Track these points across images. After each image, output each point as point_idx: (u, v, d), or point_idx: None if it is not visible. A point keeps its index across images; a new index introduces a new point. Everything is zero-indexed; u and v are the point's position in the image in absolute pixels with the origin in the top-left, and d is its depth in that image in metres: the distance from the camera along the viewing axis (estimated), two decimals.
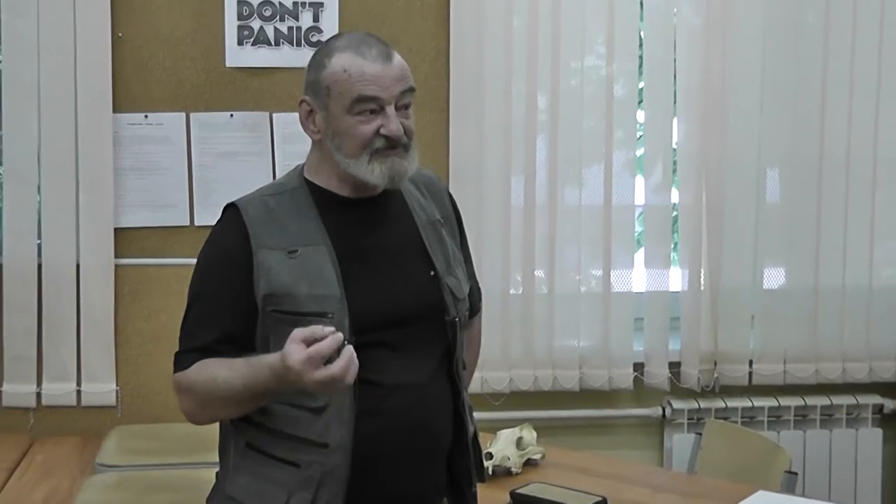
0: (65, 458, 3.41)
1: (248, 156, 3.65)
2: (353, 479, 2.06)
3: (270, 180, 2.72)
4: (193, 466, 3.09)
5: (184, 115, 3.64)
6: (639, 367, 3.90)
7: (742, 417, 3.92)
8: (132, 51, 3.61)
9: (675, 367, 3.91)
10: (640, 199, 3.89)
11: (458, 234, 2.32)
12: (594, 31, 3.79)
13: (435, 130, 3.71)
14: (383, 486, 2.11)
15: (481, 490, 2.31)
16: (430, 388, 2.15)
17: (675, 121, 3.87)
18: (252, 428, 2.11)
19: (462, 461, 2.24)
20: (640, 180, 3.89)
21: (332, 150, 2.11)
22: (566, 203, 3.81)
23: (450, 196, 2.34)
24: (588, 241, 3.83)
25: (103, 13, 3.54)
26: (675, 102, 3.86)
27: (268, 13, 3.64)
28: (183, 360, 2.10)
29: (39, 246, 3.60)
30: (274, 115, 3.64)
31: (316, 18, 3.65)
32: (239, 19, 3.63)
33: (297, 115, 2.15)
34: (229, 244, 2.10)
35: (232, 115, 3.65)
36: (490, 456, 2.97)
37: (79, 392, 3.63)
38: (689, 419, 3.91)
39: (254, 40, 3.64)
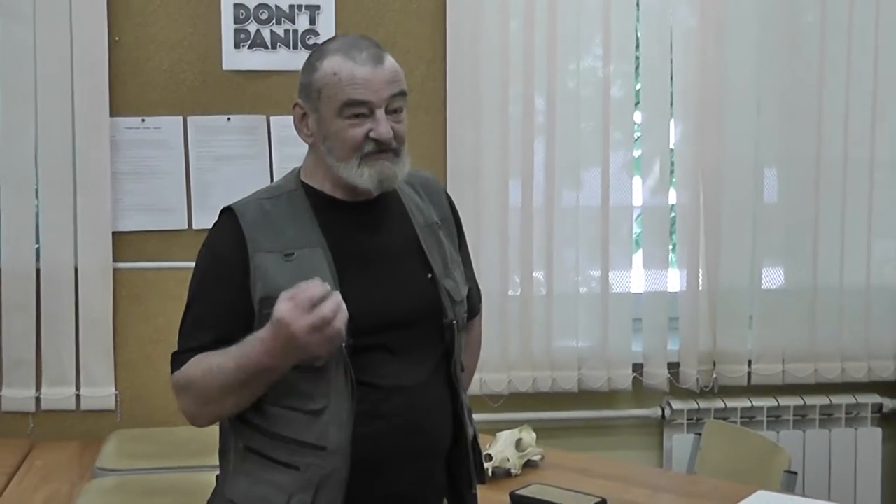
0: (64, 462, 3.41)
1: (246, 159, 3.65)
2: (352, 482, 2.06)
3: (268, 183, 2.72)
4: (193, 470, 3.09)
5: (181, 118, 3.64)
6: (638, 367, 3.90)
7: (741, 417, 3.92)
8: (129, 54, 3.61)
9: (673, 367, 3.91)
10: (637, 200, 3.89)
11: (457, 237, 2.32)
12: (591, 33, 3.79)
13: (432, 132, 3.71)
14: (382, 488, 2.10)
15: (481, 491, 2.30)
16: (429, 391, 2.15)
17: (672, 122, 3.87)
18: (251, 431, 2.11)
19: (462, 463, 2.23)
20: (637, 181, 3.89)
21: (323, 153, 2.11)
22: (564, 204, 3.81)
23: (448, 198, 2.34)
24: (586, 243, 3.84)
25: (100, 17, 3.54)
26: (671, 104, 3.86)
27: (264, 16, 3.64)
28: (179, 361, 2.10)
29: (38, 250, 3.60)
30: (271, 118, 3.65)
31: (312, 21, 3.66)
32: (235, 23, 3.63)
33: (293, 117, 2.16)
34: (226, 247, 2.10)
35: (229, 119, 3.66)
36: (489, 457, 2.97)
37: (78, 396, 3.63)
38: (688, 419, 3.91)
39: (250, 43, 3.64)
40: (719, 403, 3.93)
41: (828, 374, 3.97)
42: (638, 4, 3.82)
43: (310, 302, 1.89)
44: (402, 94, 2.11)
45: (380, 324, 2.09)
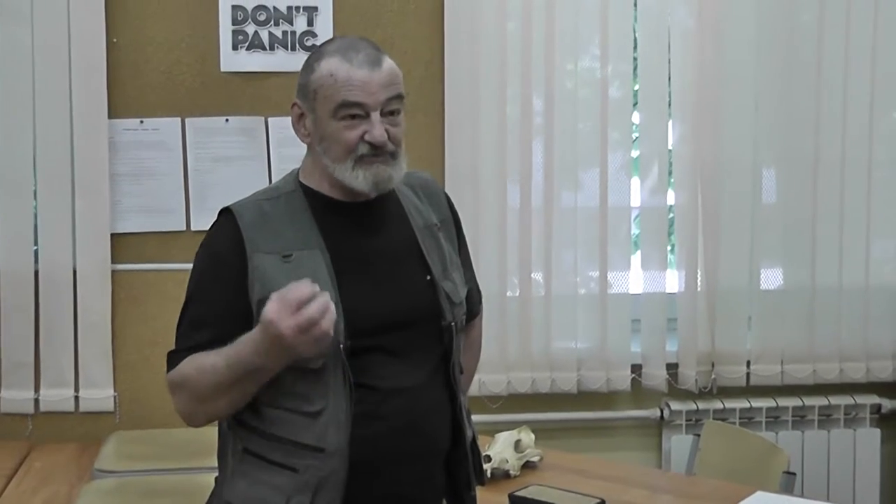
0: (63, 464, 3.41)
1: (244, 160, 3.65)
2: (351, 484, 2.06)
3: (266, 184, 2.72)
4: (192, 472, 3.09)
5: (179, 120, 3.64)
6: (636, 368, 3.90)
7: (740, 418, 3.92)
8: (127, 56, 3.61)
9: (672, 368, 3.91)
10: (636, 200, 3.89)
11: (457, 238, 2.32)
12: (589, 34, 3.79)
13: (430, 133, 3.71)
14: (381, 489, 2.10)
15: (480, 493, 2.31)
16: (427, 392, 2.15)
17: (670, 122, 3.88)
18: (249, 433, 2.11)
19: (461, 465, 2.24)
20: (636, 182, 3.89)
21: (320, 153, 2.12)
22: (562, 205, 3.81)
23: (448, 199, 2.33)
24: (585, 244, 3.84)
25: (98, 18, 3.54)
26: (670, 104, 3.86)
27: (262, 18, 3.64)
28: (175, 360, 2.10)
29: (36, 252, 3.60)
30: (269, 119, 3.65)
31: (310, 23, 3.66)
32: (233, 24, 3.63)
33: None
34: (224, 248, 2.10)
35: (227, 120, 3.66)
36: (488, 459, 2.97)
37: (77, 398, 3.63)
38: (687, 420, 3.91)
39: (248, 45, 3.64)
40: (718, 404, 3.93)
41: (826, 375, 3.97)
42: (636, 5, 3.82)
43: (297, 302, 1.90)
44: (399, 97, 2.10)
45: (378, 325, 2.09)
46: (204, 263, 2.14)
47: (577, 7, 3.76)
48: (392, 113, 2.09)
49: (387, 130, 2.07)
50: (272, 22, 3.65)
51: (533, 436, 3.17)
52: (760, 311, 3.96)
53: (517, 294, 3.81)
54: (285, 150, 3.58)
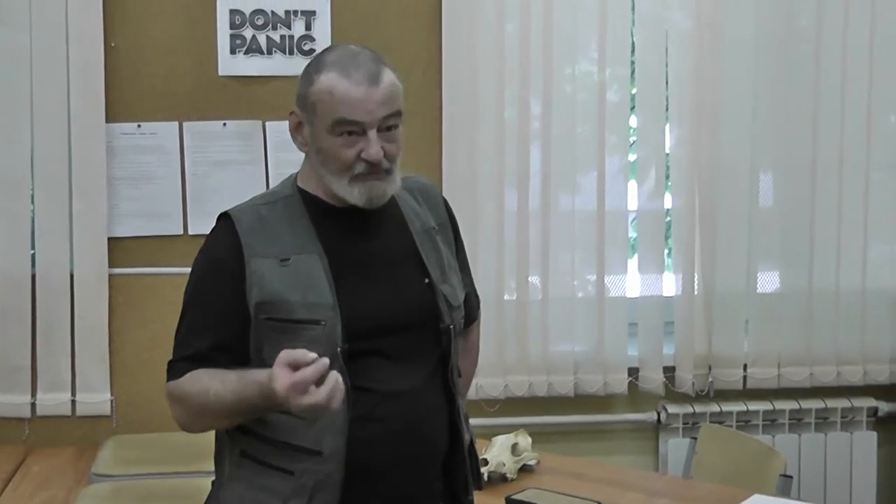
0: (60, 468, 3.41)
1: (242, 164, 3.65)
2: (348, 487, 2.06)
3: (264, 189, 2.72)
4: (189, 475, 3.08)
5: (177, 124, 3.64)
6: (633, 371, 3.90)
7: (737, 421, 3.92)
8: (125, 60, 3.61)
9: (669, 371, 3.91)
10: (633, 204, 3.89)
11: (455, 242, 2.32)
12: (586, 38, 3.80)
13: (428, 137, 3.71)
14: (377, 493, 2.11)
15: (477, 497, 2.30)
16: (425, 396, 2.16)
17: (667, 126, 3.88)
18: (247, 436, 2.12)
19: (458, 469, 2.24)
20: (633, 185, 3.89)
21: (317, 164, 2.12)
22: (560, 209, 3.81)
23: (446, 203, 2.34)
24: (582, 247, 3.84)
25: (96, 22, 3.54)
26: (667, 108, 3.87)
27: (260, 22, 3.64)
28: (176, 369, 2.11)
29: (33, 256, 3.59)
30: (267, 123, 3.64)
31: (308, 27, 3.66)
32: (231, 28, 3.63)
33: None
34: (222, 253, 2.11)
35: (225, 124, 3.66)
36: (485, 462, 2.97)
37: (73, 402, 3.63)
38: (683, 424, 3.91)
39: (246, 49, 3.64)
40: (715, 407, 3.93)
41: (823, 378, 3.97)
42: (633, 8, 3.83)
43: (306, 384, 1.88)
44: (397, 113, 2.10)
45: (376, 328, 2.10)
46: (202, 268, 2.14)
47: (575, 11, 3.76)
48: (389, 128, 2.09)
49: (383, 147, 2.07)
50: (270, 26, 3.65)
51: (530, 439, 3.17)
52: (757, 315, 3.96)
53: (514, 297, 3.81)
54: (283, 154, 3.58)
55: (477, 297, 2.41)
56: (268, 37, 3.65)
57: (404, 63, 3.58)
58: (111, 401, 3.64)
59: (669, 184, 3.91)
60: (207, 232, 2.17)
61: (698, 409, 3.92)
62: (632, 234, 3.96)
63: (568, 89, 3.80)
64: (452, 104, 3.72)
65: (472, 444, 2.27)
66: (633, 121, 3.90)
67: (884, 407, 4.04)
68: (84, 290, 3.59)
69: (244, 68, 3.65)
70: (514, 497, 2.82)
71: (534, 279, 3.81)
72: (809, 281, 3.93)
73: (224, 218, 2.14)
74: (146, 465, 3.30)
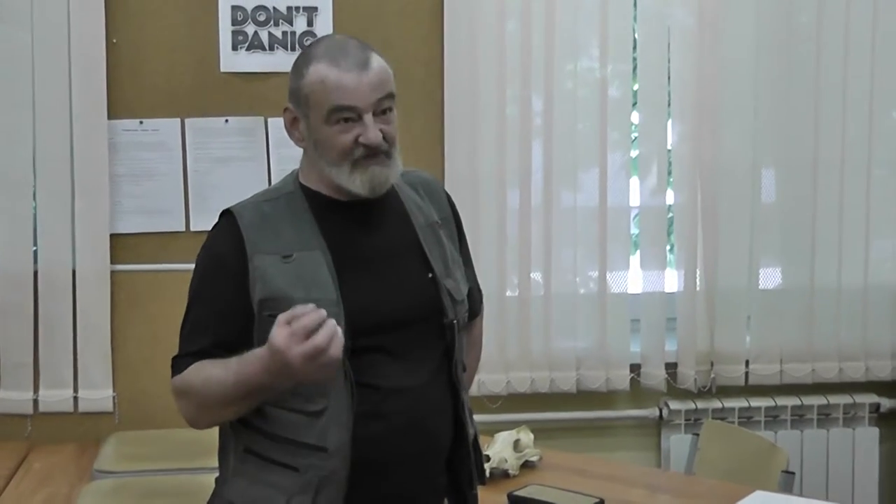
0: (62, 464, 3.41)
1: (244, 161, 3.65)
2: (352, 483, 2.06)
3: (266, 185, 2.73)
4: (191, 472, 3.09)
5: (179, 120, 3.64)
6: (635, 368, 3.91)
7: (739, 418, 3.92)
8: (127, 57, 3.61)
9: (671, 367, 3.92)
10: (635, 200, 3.90)
11: (458, 236, 2.32)
12: (588, 34, 3.80)
13: (430, 134, 3.71)
14: (383, 489, 2.10)
15: (479, 493, 2.30)
16: (429, 391, 2.15)
17: (669, 122, 3.88)
18: (251, 433, 2.11)
19: (463, 464, 2.24)
20: (635, 182, 3.89)
21: (315, 157, 2.12)
22: (562, 205, 3.81)
23: (448, 198, 2.34)
24: (584, 243, 3.84)
25: (98, 19, 3.54)
26: (669, 104, 3.87)
27: (262, 18, 3.64)
28: (180, 365, 2.11)
29: (35, 252, 3.60)
30: (269, 119, 3.64)
31: (310, 23, 3.66)
32: (233, 24, 3.63)
33: None
34: (224, 250, 2.11)
35: (227, 121, 3.66)
36: (487, 458, 2.97)
37: (76, 398, 3.63)
38: (686, 420, 3.91)
39: (248, 45, 3.64)
40: (717, 404, 3.93)
41: (825, 374, 3.97)
42: (635, 5, 3.83)
43: (304, 331, 1.87)
44: (391, 95, 2.10)
45: (380, 324, 2.09)
46: (205, 265, 2.14)
47: (577, 7, 3.76)
48: (384, 112, 2.09)
49: (381, 130, 2.08)
50: (272, 22, 3.65)
51: (532, 435, 3.17)
52: (759, 311, 3.97)
53: (517, 294, 3.81)
54: (285, 150, 3.58)
55: (480, 291, 2.41)
56: (269, 33, 3.65)
57: (406, 60, 3.59)
58: (113, 397, 3.65)
59: (671, 180, 3.91)
60: (209, 228, 2.17)
61: (700, 405, 3.92)
62: (634, 230, 3.96)
63: (569, 86, 3.80)
64: (454, 101, 3.72)
65: (476, 438, 2.27)
66: (635, 117, 3.90)
67: (886, 403, 4.04)
68: (86, 286, 3.59)
69: (246, 65, 3.65)
70: (516, 493, 2.83)
71: (536, 276, 3.82)
72: (811, 277, 3.93)
73: (226, 215, 2.14)
74: (148, 462, 3.30)
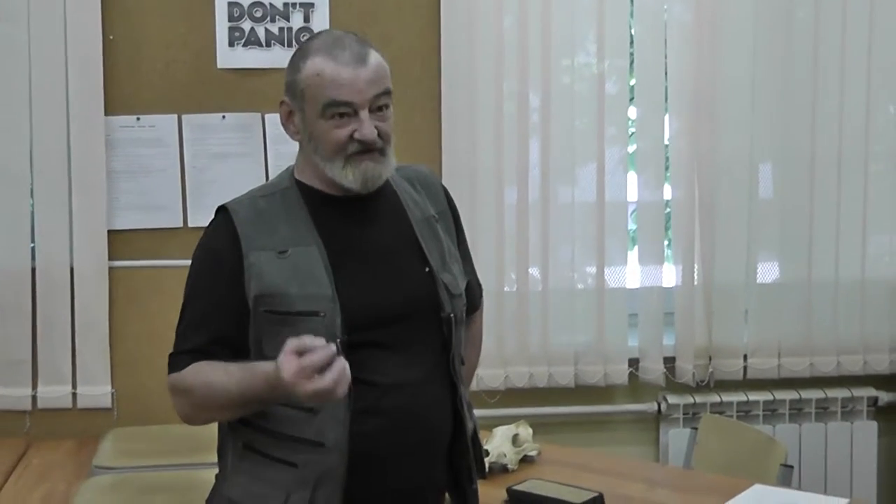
0: (61, 460, 3.41)
1: (241, 157, 3.65)
2: (351, 478, 2.06)
3: (263, 181, 2.72)
4: (190, 467, 3.09)
5: (176, 116, 3.64)
6: (634, 362, 3.91)
7: (737, 411, 3.92)
8: (124, 53, 3.61)
9: (669, 362, 3.92)
10: (633, 195, 3.89)
11: (456, 230, 2.32)
12: (585, 29, 3.79)
13: (427, 130, 3.71)
14: (381, 483, 2.11)
15: (479, 488, 2.31)
16: (427, 386, 2.15)
17: (666, 117, 3.87)
18: (249, 429, 2.12)
19: (462, 458, 2.24)
20: (632, 177, 3.89)
21: (310, 151, 2.12)
22: (559, 200, 3.81)
23: (445, 192, 2.33)
24: (582, 238, 3.84)
25: (94, 15, 3.54)
26: (666, 99, 3.86)
27: (258, 14, 3.64)
28: (177, 362, 2.11)
29: (33, 249, 3.60)
30: (266, 115, 3.64)
31: (307, 19, 3.65)
32: (230, 21, 3.63)
33: None
34: (219, 246, 2.11)
35: (224, 117, 3.65)
36: (486, 453, 2.96)
37: (74, 395, 3.63)
38: (684, 414, 3.91)
39: (245, 41, 3.64)
40: (715, 398, 3.93)
41: (823, 368, 3.97)
42: (632, 0, 3.82)
43: (313, 370, 1.88)
44: (387, 92, 2.10)
45: (376, 319, 2.09)
46: (201, 262, 2.14)
47: (574, 3, 3.75)
48: (380, 108, 2.09)
49: (376, 127, 2.07)
50: (268, 18, 3.64)
51: (531, 430, 3.17)
52: (757, 305, 3.97)
53: (514, 289, 3.81)
54: (282, 146, 3.58)
55: (479, 285, 2.41)
56: (266, 29, 3.64)
57: (403, 55, 3.59)
58: (112, 393, 3.65)
59: (669, 175, 3.91)
60: (207, 224, 2.17)
61: (699, 399, 3.93)
62: (631, 225, 3.96)
63: (567, 81, 3.80)
64: (451, 96, 3.72)
65: (475, 432, 2.27)
66: (633, 112, 3.90)
67: (884, 396, 4.05)
68: (84, 283, 3.59)
69: (243, 61, 3.64)
70: (515, 488, 2.83)
71: (534, 271, 3.82)
72: (809, 271, 3.93)
73: (221, 211, 2.14)
74: (147, 458, 3.30)
